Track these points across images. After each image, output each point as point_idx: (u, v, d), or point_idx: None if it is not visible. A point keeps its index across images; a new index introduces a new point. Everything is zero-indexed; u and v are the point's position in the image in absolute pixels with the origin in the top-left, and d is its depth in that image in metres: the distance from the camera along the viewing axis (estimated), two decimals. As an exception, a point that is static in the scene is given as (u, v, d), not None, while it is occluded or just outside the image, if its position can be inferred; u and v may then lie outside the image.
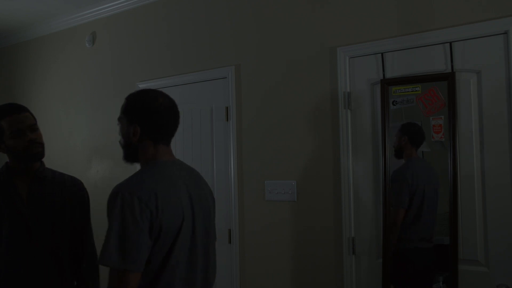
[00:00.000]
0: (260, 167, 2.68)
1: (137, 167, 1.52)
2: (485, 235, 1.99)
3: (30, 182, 1.79)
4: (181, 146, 2.97)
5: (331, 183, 2.41)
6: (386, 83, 2.20)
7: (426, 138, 2.15)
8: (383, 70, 2.25)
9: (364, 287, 2.30)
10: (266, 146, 2.66)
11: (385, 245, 2.16)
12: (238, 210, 2.75)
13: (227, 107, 2.83)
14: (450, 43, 2.08)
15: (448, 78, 2.04)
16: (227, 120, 2.83)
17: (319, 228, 2.44)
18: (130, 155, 1.53)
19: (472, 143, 2.04)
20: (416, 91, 2.15)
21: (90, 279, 1.90)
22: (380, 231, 2.21)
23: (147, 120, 1.46)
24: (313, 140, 2.48)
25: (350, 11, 2.38)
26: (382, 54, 2.25)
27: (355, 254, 2.34)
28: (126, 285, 1.28)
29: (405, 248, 2.18)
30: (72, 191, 1.89)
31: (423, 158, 2.23)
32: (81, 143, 3.66)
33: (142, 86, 3.27)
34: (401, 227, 2.18)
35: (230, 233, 2.76)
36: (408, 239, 2.19)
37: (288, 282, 2.55)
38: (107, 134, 3.50)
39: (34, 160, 1.79)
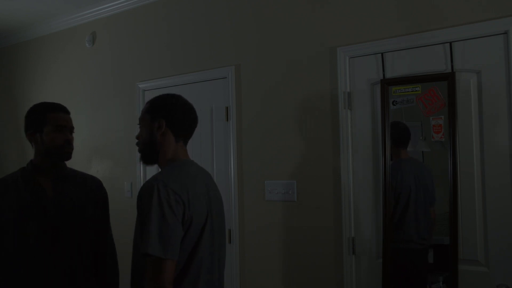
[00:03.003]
0: (260, 167, 2.68)
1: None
2: (485, 235, 1.99)
3: (54, 181, 1.84)
4: (181, 146, 2.96)
5: (331, 183, 2.41)
6: (386, 83, 2.20)
7: (426, 138, 2.15)
8: (383, 70, 2.25)
9: (364, 287, 2.30)
10: (266, 146, 2.66)
11: (385, 245, 2.16)
12: (238, 210, 2.75)
13: (227, 107, 2.83)
14: (450, 43, 2.08)
15: (448, 78, 2.04)
16: (227, 120, 2.83)
17: (319, 228, 2.44)
18: (150, 155, 1.60)
19: (472, 143, 2.04)
20: (416, 91, 2.15)
21: (111, 276, 1.93)
22: (380, 231, 2.21)
23: (172, 114, 1.57)
24: (313, 140, 2.48)
25: (350, 11, 2.38)
26: (382, 54, 2.25)
27: (355, 254, 2.33)
28: (166, 273, 1.36)
29: (395, 249, 2.17)
30: (92, 190, 1.95)
31: (414, 158, 2.23)
32: (81, 143, 3.66)
33: (142, 86, 3.28)
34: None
35: (230, 233, 2.76)
36: (397, 240, 2.17)
37: (288, 282, 2.55)
38: (107, 134, 3.50)
39: (63, 159, 1.86)
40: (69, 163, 1.92)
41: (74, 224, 1.82)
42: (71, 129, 1.87)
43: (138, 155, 1.67)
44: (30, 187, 1.79)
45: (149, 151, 1.59)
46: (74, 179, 1.91)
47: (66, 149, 1.83)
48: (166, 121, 1.56)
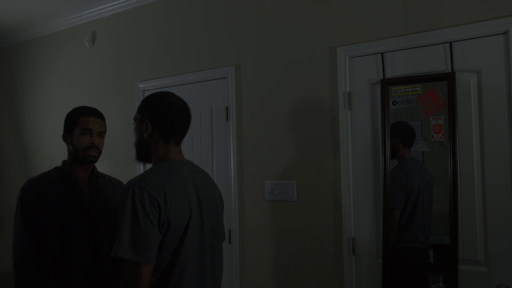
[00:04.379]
0: (260, 167, 2.68)
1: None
2: (485, 235, 1.99)
3: (89, 181, 1.93)
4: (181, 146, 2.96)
5: (331, 183, 2.41)
6: (386, 83, 2.20)
7: (426, 138, 2.16)
8: (383, 70, 2.25)
9: (364, 287, 2.30)
10: (266, 146, 2.66)
11: (385, 245, 2.16)
12: (238, 210, 2.75)
13: (227, 107, 2.83)
14: (450, 43, 2.07)
15: (448, 78, 2.04)
16: (227, 120, 2.83)
17: (319, 228, 2.44)
18: (142, 154, 1.61)
19: (472, 143, 2.04)
20: (416, 91, 2.15)
21: None
22: (380, 231, 2.21)
23: (158, 115, 1.54)
24: (313, 140, 2.48)
25: (350, 11, 2.38)
26: (382, 54, 2.25)
27: (355, 254, 2.33)
28: (139, 276, 1.34)
29: (401, 248, 2.18)
30: (118, 191, 2.03)
31: (416, 158, 2.23)
32: (81, 143, 3.66)
33: (142, 86, 3.28)
34: (398, 228, 2.18)
35: (230, 233, 2.76)
36: (403, 240, 2.18)
37: (288, 282, 2.55)
38: (107, 134, 3.50)
39: (87, 161, 1.92)
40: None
41: (108, 223, 1.89)
42: (100, 133, 1.95)
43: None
44: (70, 186, 1.87)
45: (140, 150, 1.60)
46: (103, 180, 2.00)
47: (90, 152, 1.89)
48: (153, 123, 1.53)
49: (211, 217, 1.57)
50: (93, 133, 1.91)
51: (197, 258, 1.47)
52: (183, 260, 1.42)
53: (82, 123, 1.90)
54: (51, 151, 3.81)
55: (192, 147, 2.99)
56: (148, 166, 1.64)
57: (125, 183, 1.50)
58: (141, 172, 3.21)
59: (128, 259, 1.33)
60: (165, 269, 1.40)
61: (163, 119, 1.54)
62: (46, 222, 1.80)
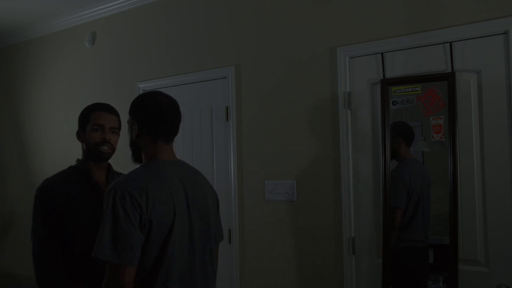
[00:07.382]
0: (260, 167, 2.68)
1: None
2: (485, 235, 1.99)
3: (106, 180, 1.90)
4: (181, 146, 2.96)
5: (331, 183, 2.41)
6: (386, 83, 2.20)
7: (426, 138, 2.16)
8: (383, 70, 2.25)
9: (364, 287, 2.30)
10: (266, 146, 2.66)
11: (385, 245, 2.16)
12: (238, 210, 2.75)
13: (227, 107, 2.83)
14: (450, 43, 2.08)
15: (448, 78, 2.04)
16: (227, 120, 2.83)
17: (319, 228, 2.44)
18: (135, 155, 1.62)
19: (472, 143, 2.04)
20: (416, 91, 2.15)
21: None
22: (380, 231, 2.21)
23: (144, 116, 1.54)
24: (313, 140, 2.48)
25: (350, 11, 2.38)
26: (382, 54, 2.25)
27: (355, 254, 2.33)
28: (121, 278, 1.33)
29: (401, 248, 2.18)
30: None
31: (416, 158, 2.24)
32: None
33: (142, 86, 3.27)
34: (399, 227, 2.19)
35: (230, 233, 2.76)
36: (404, 239, 2.19)
37: (288, 282, 2.55)
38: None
39: (99, 158, 1.87)
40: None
41: None
42: (112, 128, 1.89)
43: None
44: (89, 185, 1.83)
45: (132, 150, 1.61)
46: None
47: (101, 149, 1.84)
48: (139, 124, 1.54)
49: (202, 218, 1.54)
50: (104, 129, 1.86)
51: (185, 259, 1.45)
52: (169, 260, 1.40)
53: (93, 119, 1.86)
54: (51, 151, 3.81)
55: (192, 147, 2.99)
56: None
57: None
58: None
59: (108, 260, 1.32)
60: (150, 269, 1.39)
61: (148, 119, 1.53)
62: (68, 223, 1.73)
